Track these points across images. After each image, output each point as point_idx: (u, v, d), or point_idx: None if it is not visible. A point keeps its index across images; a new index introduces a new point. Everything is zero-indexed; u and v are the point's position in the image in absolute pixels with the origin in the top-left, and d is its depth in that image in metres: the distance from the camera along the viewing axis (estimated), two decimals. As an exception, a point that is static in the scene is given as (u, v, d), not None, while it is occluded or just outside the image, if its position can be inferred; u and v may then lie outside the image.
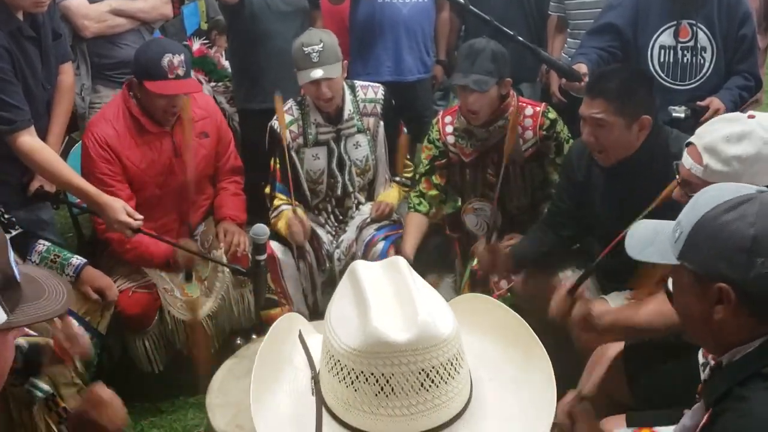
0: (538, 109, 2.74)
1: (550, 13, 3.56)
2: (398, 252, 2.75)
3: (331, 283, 3.04)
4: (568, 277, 2.58)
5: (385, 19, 3.52)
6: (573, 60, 2.89)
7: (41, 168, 2.48)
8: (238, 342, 2.65)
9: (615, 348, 2.14)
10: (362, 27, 3.57)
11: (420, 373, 0.96)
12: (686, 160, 1.89)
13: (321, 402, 1.04)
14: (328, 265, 3.03)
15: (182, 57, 2.63)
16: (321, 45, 2.73)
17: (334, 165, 2.99)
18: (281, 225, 2.89)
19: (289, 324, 1.23)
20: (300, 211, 2.93)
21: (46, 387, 2.02)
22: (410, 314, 0.99)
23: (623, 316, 2.04)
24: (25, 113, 2.44)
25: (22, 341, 1.75)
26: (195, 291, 2.84)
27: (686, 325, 1.36)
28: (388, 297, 1.03)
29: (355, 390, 0.98)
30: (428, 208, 2.89)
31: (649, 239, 1.37)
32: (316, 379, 1.08)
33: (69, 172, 2.49)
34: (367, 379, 0.97)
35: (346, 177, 3.02)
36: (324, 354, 1.04)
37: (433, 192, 2.89)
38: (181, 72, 2.62)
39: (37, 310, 1.09)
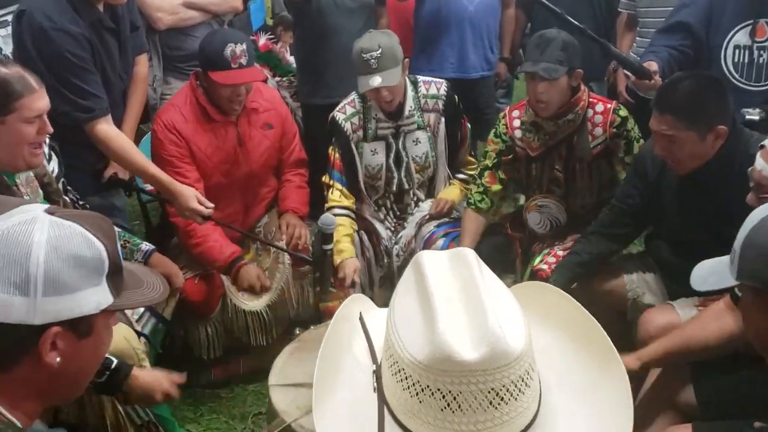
0: (608, 106, 2.69)
1: (619, 10, 3.51)
2: None
3: (389, 279, 3.06)
4: (633, 281, 2.53)
5: (450, 16, 3.52)
6: (642, 58, 2.82)
7: (117, 155, 2.56)
8: (297, 332, 2.69)
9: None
10: (427, 23, 3.58)
11: (489, 392, 0.92)
12: (759, 163, 1.83)
13: (383, 402, 1.01)
14: (386, 260, 3.03)
15: (244, 46, 2.67)
16: (379, 51, 2.74)
17: (391, 161, 3.00)
18: (335, 248, 2.79)
19: (354, 307, 1.21)
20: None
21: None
22: (480, 325, 0.93)
23: (677, 342, 1.97)
24: (103, 102, 2.52)
25: (113, 358, 1.81)
26: (256, 281, 2.90)
27: (756, 342, 1.35)
28: (456, 299, 0.98)
29: (420, 401, 0.94)
30: (489, 206, 2.87)
31: (712, 270, 1.37)
32: (378, 374, 1.04)
33: (143, 159, 2.56)
34: (432, 394, 0.93)
35: (403, 173, 3.02)
36: (387, 355, 1.00)
37: (497, 187, 2.86)
38: (243, 61, 2.66)
39: (138, 296, 1.15)
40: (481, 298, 0.96)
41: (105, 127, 2.52)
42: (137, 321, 2.37)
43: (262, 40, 4.20)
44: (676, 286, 2.40)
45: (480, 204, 2.87)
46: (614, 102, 2.75)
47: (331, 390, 1.08)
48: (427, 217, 3.02)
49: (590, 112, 2.68)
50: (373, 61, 2.73)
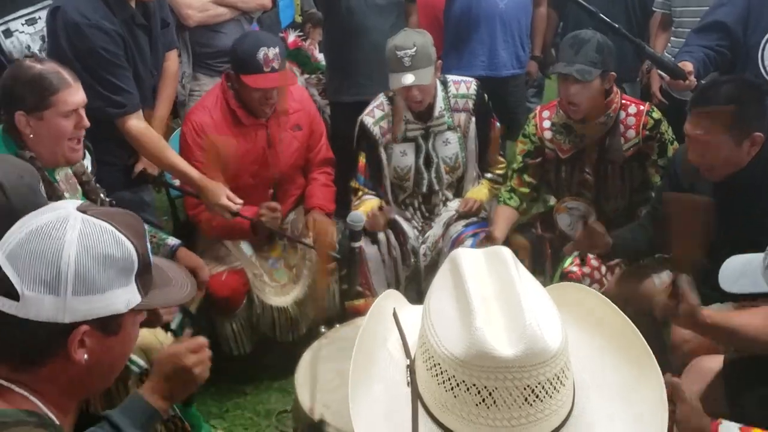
0: (642, 107, 2.65)
1: (654, 9, 3.46)
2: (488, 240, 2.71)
3: (415, 278, 3.04)
4: (663, 280, 2.49)
5: (481, 13, 3.49)
6: (677, 58, 2.77)
7: (147, 151, 2.58)
8: (322, 330, 2.68)
9: (714, 361, 2.05)
10: (458, 21, 3.56)
11: (525, 389, 0.92)
12: None
13: (417, 397, 1.01)
14: (412, 260, 3.02)
15: (277, 50, 2.68)
16: (414, 49, 2.73)
17: (421, 162, 2.98)
18: (362, 210, 2.87)
19: (387, 303, 1.20)
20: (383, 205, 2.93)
21: (141, 362, 2.10)
22: (517, 322, 0.93)
23: (730, 321, 1.93)
24: (134, 97, 2.55)
25: (141, 361, 1.81)
26: (283, 277, 2.91)
27: None
28: (492, 296, 0.98)
29: (455, 396, 0.94)
30: (519, 203, 2.85)
31: (741, 271, 1.33)
32: (411, 368, 1.05)
33: (174, 155, 2.59)
34: (468, 389, 0.93)
35: (433, 175, 3.01)
36: (422, 349, 1.00)
37: (524, 189, 2.85)
38: (276, 65, 2.68)
39: (165, 295, 1.16)
40: (518, 296, 0.96)
41: (136, 123, 2.55)
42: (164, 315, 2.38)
43: (291, 37, 4.21)
44: (710, 292, 2.35)
45: (509, 201, 2.86)
46: (647, 104, 2.71)
47: (366, 383, 1.08)
48: (455, 216, 3.00)
49: (623, 114, 2.65)
50: (407, 59, 2.72)
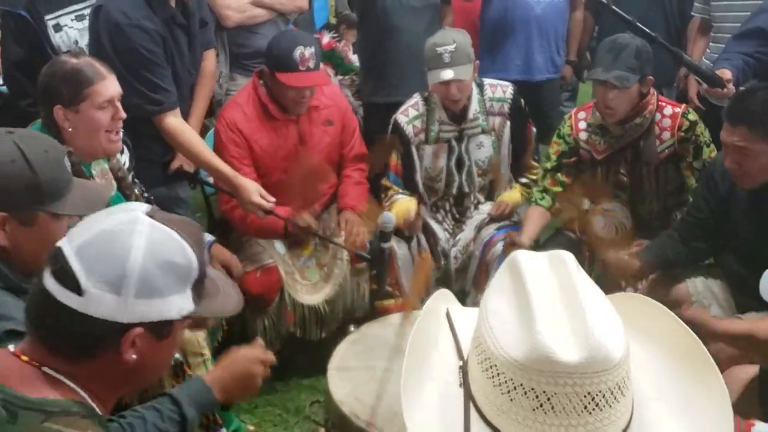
0: (677, 110, 2.63)
1: (693, 14, 3.41)
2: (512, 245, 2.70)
3: (445, 281, 3.04)
4: (697, 288, 2.46)
5: (517, 17, 3.48)
6: (716, 65, 2.75)
7: (184, 148, 2.62)
8: (351, 329, 2.70)
9: (749, 371, 2.02)
10: (494, 24, 3.55)
11: (585, 396, 0.90)
12: None
13: (469, 398, 1.00)
14: (442, 262, 3.02)
15: (313, 49, 2.70)
16: (454, 45, 2.73)
17: (452, 164, 2.98)
18: (395, 212, 2.85)
19: (439, 303, 1.19)
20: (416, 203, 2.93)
21: (176, 355, 2.14)
22: (581, 327, 0.91)
23: (741, 327, 1.92)
24: (172, 95, 2.59)
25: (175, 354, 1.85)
26: (314, 276, 2.93)
27: None
28: (554, 300, 0.96)
29: (511, 399, 0.93)
30: (550, 204, 2.84)
31: None
32: (464, 370, 1.03)
33: (209, 153, 2.62)
34: (526, 393, 0.91)
35: (464, 177, 3.00)
36: (477, 350, 0.99)
37: (557, 188, 2.83)
38: (311, 64, 2.69)
39: (215, 305, 1.17)
40: (581, 301, 0.94)
41: (174, 120, 2.59)
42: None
43: (326, 38, 4.25)
44: (746, 300, 2.32)
45: (541, 201, 2.84)
46: (684, 105, 2.69)
47: (418, 383, 1.07)
48: (487, 219, 2.99)
49: (658, 115, 2.63)
50: (446, 55, 2.72)
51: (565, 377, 0.89)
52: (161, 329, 1.08)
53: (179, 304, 1.08)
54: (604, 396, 0.90)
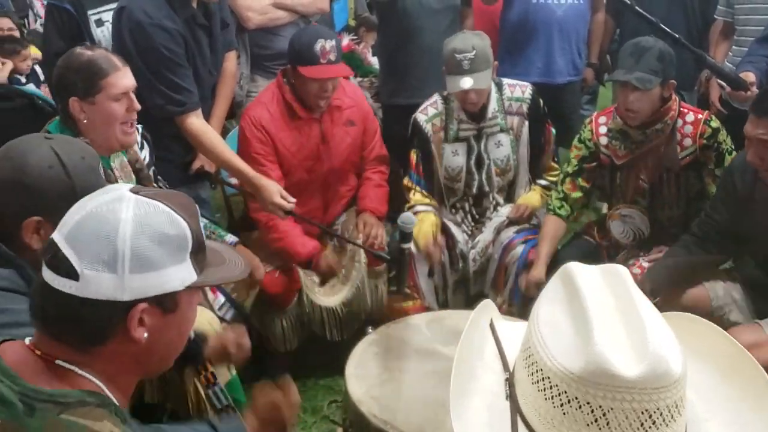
0: (699, 116, 2.60)
1: (715, 17, 3.38)
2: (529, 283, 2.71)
3: (463, 283, 3.04)
4: (717, 293, 2.44)
5: (538, 20, 3.47)
6: (739, 68, 2.73)
7: (205, 148, 2.64)
8: (369, 330, 2.70)
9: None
10: (514, 27, 3.54)
11: (643, 413, 0.87)
12: None
13: (516, 411, 0.97)
14: (460, 264, 3.01)
15: (334, 42, 2.70)
16: (473, 52, 2.73)
17: (472, 163, 2.98)
18: (416, 231, 2.80)
19: (483, 314, 1.18)
20: (438, 236, 2.93)
21: (197, 351, 2.15)
22: (640, 342, 0.88)
23: None
24: (194, 96, 2.61)
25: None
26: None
27: None
28: (611, 312, 0.93)
29: (564, 413, 0.90)
30: (569, 212, 2.82)
31: None
32: (510, 382, 1.01)
33: (231, 153, 2.63)
34: (580, 407, 0.88)
35: (483, 176, 2.99)
36: (527, 362, 0.96)
37: (577, 194, 2.81)
38: (332, 57, 2.70)
39: (221, 273, 1.17)
40: (639, 314, 0.91)
41: (195, 121, 2.61)
42: (218, 309, 2.43)
43: (345, 40, 4.27)
44: (765, 305, 2.30)
45: (559, 210, 2.82)
46: (706, 112, 2.65)
47: (465, 396, 1.05)
48: (506, 222, 2.98)
49: (680, 122, 2.60)
50: (466, 62, 2.72)
51: (623, 392, 0.87)
52: (165, 302, 1.08)
53: (180, 275, 1.08)
54: (661, 414, 0.88)
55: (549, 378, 0.91)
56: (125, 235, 1.03)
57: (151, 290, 1.05)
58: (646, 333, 0.89)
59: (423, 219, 2.90)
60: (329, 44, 2.68)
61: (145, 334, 1.07)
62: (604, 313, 0.92)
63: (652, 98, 2.51)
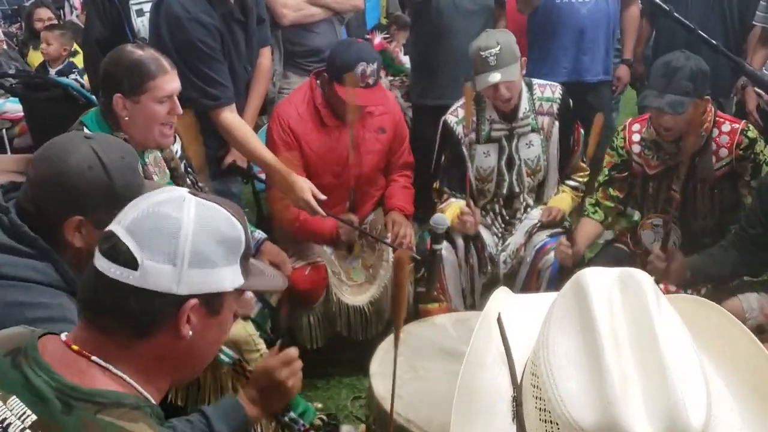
0: (736, 126, 2.54)
1: (754, 23, 3.33)
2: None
3: (492, 286, 3.01)
4: (751, 305, 2.40)
5: (562, 20, 3.44)
6: (778, 76, 2.68)
7: (239, 143, 2.65)
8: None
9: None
10: (540, 28, 3.52)
11: None
12: None
13: None
14: (489, 267, 2.98)
15: (375, 66, 2.69)
16: (498, 48, 2.71)
17: (503, 163, 2.96)
18: (449, 214, 2.86)
19: (493, 306, 1.14)
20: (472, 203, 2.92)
21: (230, 352, 2.17)
22: (659, 390, 0.83)
23: None
24: (229, 91, 2.62)
25: (231, 351, 1.88)
26: (360, 276, 2.94)
27: None
28: (627, 342, 0.87)
29: None
30: (603, 218, 2.80)
31: None
32: (518, 401, 0.97)
33: (264, 149, 2.65)
34: None
35: (514, 177, 2.97)
36: (535, 391, 0.91)
37: (609, 203, 2.79)
38: (371, 81, 2.69)
39: (264, 280, 1.20)
40: (659, 347, 0.86)
41: (229, 115, 2.62)
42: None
43: (378, 38, 4.27)
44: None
45: (594, 215, 2.81)
46: (743, 122, 2.60)
47: (469, 415, 1.03)
48: (538, 225, 2.96)
49: (716, 132, 2.55)
50: (492, 58, 2.71)
51: None
52: (213, 302, 1.09)
53: (231, 276, 1.10)
54: None
55: (558, 424, 0.87)
56: (188, 230, 1.05)
57: (205, 287, 1.07)
58: (666, 376, 0.84)
59: (452, 204, 2.91)
60: (370, 68, 2.67)
61: (190, 332, 1.07)
62: (618, 344, 0.87)
63: (687, 117, 2.45)
